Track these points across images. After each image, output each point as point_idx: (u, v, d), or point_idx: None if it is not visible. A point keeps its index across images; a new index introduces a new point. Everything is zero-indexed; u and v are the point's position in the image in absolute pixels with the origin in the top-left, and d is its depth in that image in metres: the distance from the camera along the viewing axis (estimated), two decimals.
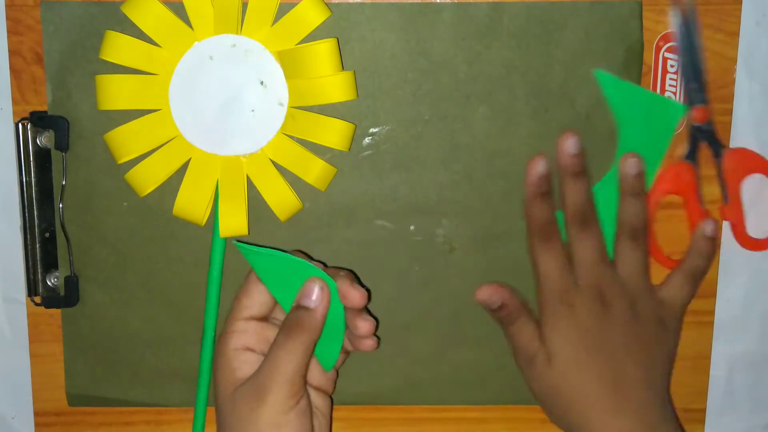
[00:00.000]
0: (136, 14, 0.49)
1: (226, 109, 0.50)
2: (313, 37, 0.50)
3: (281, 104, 0.50)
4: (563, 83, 0.52)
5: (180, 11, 0.49)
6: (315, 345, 0.46)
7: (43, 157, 0.52)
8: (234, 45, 0.49)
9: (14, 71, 0.52)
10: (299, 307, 0.46)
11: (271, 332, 0.48)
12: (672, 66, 0.52)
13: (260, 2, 0.49)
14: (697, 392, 0.56)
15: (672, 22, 0.52)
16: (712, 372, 0.56)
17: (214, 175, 0.51)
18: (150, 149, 0.51)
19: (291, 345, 0.45)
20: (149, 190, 0.51)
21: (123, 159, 0.51)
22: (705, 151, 0.53)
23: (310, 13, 0.49)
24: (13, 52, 0.52)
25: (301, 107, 0.50)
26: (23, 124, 0.51)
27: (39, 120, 0.51)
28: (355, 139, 0.52)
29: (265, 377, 0.45)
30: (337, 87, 0.50)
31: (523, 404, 0.56)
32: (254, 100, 0.50)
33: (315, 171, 0.51)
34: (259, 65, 0.50)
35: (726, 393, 0.57)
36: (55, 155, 0.52)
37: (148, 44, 0.49)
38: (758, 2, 0.52)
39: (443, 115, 0.52)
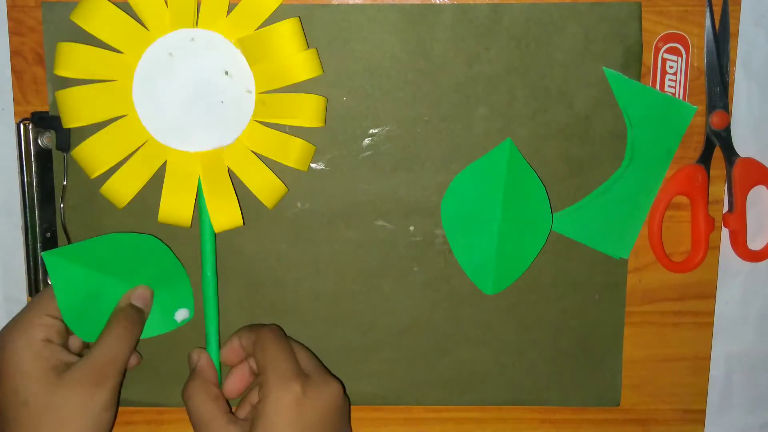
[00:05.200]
0: (86, 20, 0.48)
1: (195, 103, 0.49)
2: (311, 41, 0.50)
3: (249, 91, 0.49)
4: (563, 84, 0.52)
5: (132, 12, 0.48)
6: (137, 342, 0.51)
7: (44, 157, 0.52)
8: (193, 39, 0.48)
9: (16, 72, 0.52)
10: (131, 306, 0.50)
11: (64, 329, 0.49)
12: (671, 67, 0.52)
13: None
14: (696, 393, 0.57)
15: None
16: (710, 372, 0.56)
17: (194, 174, 0.50)
18: (122, 158, 0.50)
19: (127, 337, 0.49)
20: (127, 201, 0.50)
21: (96, 173, 0.49)
22: (717, 157, 0.54)
23: None
24: (14, 53, 0.52)
25: (270, 92, 0.50)
26: (24, 125, 0.52)
27: (40, 120, 0.51)
28: (355, 139, 0.52)
29: (103, 364, 0.47)
30: (300, 65, 0.49)
31: (522, 404, 0.56)
32: (221, 90, 0.49)
33: (294, 152, 0.50)
34: (221, 55, 0.49)
35: (724, 393, 0.57)
36: (56, 155, 0.52)
37: (104, 50, 0.48)
38: (757, 3, 0.52)
39: (443, 115, 0.52)
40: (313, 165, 0.52)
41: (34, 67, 0.52)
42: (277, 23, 0.48)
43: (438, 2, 0.51)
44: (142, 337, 0.51)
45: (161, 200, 0.50)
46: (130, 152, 0.50)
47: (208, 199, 0.50)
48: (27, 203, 0.52)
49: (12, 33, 0.52)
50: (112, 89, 0.49)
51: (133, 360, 0.52)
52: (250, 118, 0.50)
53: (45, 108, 0.52)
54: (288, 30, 0.48)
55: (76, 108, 0.48)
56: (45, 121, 0.51)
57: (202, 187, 0.50)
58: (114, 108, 0.49)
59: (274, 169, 0.51)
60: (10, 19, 0.51)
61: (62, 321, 0.49)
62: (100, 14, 0.48)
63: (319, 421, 0.47)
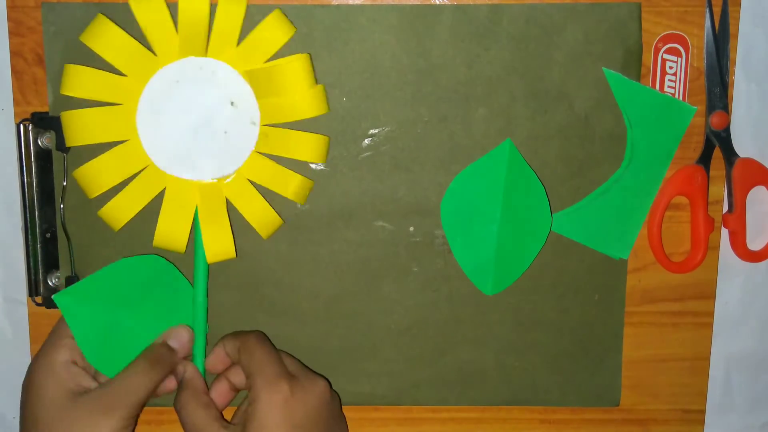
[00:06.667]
0: (95, 43, 0.48)
1: (198, 132, 0.49)
2: (311, 41, 0.50)
3: (253, 123, 0.49)
4: (562, 85, 0.52)
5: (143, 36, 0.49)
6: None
7: (44, 157, 0.52)
8: (201, 68, 0.48)
9: (15, 72, 0.52)
10: (165, 345, 0.51)
11: None
12: (671, 67, 0.52)
13: (225, 22, 0.48)
14: (696, 393, 0.57)
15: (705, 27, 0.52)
16: (710, 372, 0.56)
17: (192, 202, 0.50)
18: (121, 181, 0.50)
19: (151, 374, 0.49)
20: (123, 224, 0.51)
21: (95, 194, 0.50)
22: (717, 157, 0.54)
23: (275, 31, 0.49)
24: (14, 54, 0.52)
25: (273, 125, 0.50)
26: (24, 125, 0.52)
27: (40, 121, 0.51)
28: (354, 140, 0.52)
29: (117, 394, 0.47)
30: (307, 103, 0.49)
31: (522, 404, 0.56)
32: (225, 121, 0.49)
33: (293, 186, 0.51)
34: (228, 86, 0.49)
35: (724, 393, 0.57)
36: (56, 156, 0.52)
37: (110, 74, 0.48)
38: (757, 4, 0.52)
39: (443, 116, 0.52)
40: (312, 165, 0.52)
41: (34, 67, 0.52)
42: (288, 59, 0.48)
43: (438, 2, 0.51)
44: None
45: (157, 225, 0.50)
46: (129, 176, 0.50)
47: (204, 229, 0.50)
48: (27, 203, 0.52)
49: (12, 33, 0.52)
50: (117, 113, 0.49)
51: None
52: (252, 149, 0.50)
53: (45, 108, 0.52)
54: (297, 67, 0.48)
55: (80, 130, 0.49)
56: (45, 121, 0.51)
57: (199, 216, 0.50)
58: (117, 132, 0.49)
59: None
60: (9, 19, 0.51)
61: None
62: (108, 38, 0.48)
63: (308, 420, 0.48)
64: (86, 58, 0.50)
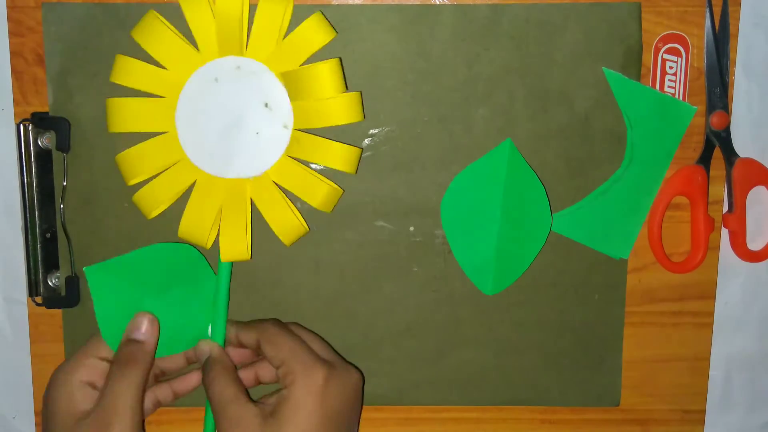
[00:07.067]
0: (144, 38, 0.49)
1: (231, 131, 0.49)
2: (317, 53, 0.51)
3: (286, 127, 0.49)
4: (562, 84, 0.52)
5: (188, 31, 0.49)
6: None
7: (44, 157, 0.52)
8: (239, 67, 0.49)
9: (16, 72, 0.52)
10: (130, 341, 0.49)
11: None
12: (671, 67, 0.52)
13: (264, 22, 0.48)
14: (696, 393, 0.57)
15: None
16: (710, 372, 0.56)
17: (218, 198, 0.50)
18: (157, 171, 0.50)
19: (127, 378, 0.47)
20: (156, 213, 0.51)
21: (132, 181, 0.50)
22: (717, 157, 0.54)
23: (315, 34, 0.48)
24: (14, 54, 0.52)
25: (306, 130, 0.50)
26: (24, 125, 0.52)
27: (40, 121, 0.51)
28: (355, 139, 0.52)
29: (107, 410, 0.46)
30: (341, 109, 0.49)
31: (522, 404, 0.56)
32: (259, 122, 0.49)
33: (320, 195, 0.50)
34: (264, 87, 0.49)
35: (724, 393, 0.57)
36: (56, 156, 0.52)
37: (156, 67, 0.49)
38: (757, 4, 0.52)
39: (443, 116, 0.52)
40: (312, 165, 0.52)
41: (34, 67, 0.52)
42: (321, 62, 0.48)
43: (438, 2, 0.51)
44: (175, 352, 0.51)
45: (182, 217, 0.50)
46: (165, 167, 0.50)
47: (222, 227, 0.50)
48: (27, 204, 0.52)
49: (12, 34, 0.52)
50: (159, 105, 0.49)
51: (168, 397, 0.52)
52: (282, 153, 0.50)
53: (45, 108, 0.52)
54: (329, 71, 0.48)
55: (123, 117, 0.49)
56: (45, 121, 0.51)
57: (222, 213, 0.50)
58: (157, 123, 0.49)
59: None
60: (9, 19, 0.51)
61: (107, 361, 0.49)
62: (155, 34, 0.48)
63: (341, 407, 0.48)
64: (87, 57, 0.51)
